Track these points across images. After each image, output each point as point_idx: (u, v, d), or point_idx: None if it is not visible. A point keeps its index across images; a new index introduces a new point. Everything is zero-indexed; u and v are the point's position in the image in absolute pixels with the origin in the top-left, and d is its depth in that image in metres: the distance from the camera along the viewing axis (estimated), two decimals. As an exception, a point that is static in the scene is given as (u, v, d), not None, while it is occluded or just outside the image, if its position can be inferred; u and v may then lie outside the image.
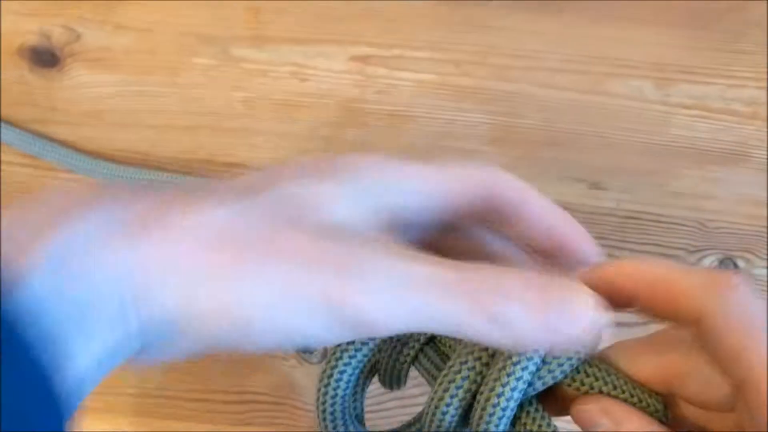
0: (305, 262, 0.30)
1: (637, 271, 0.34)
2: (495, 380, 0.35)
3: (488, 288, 0.31)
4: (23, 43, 0.62)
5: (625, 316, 0.55)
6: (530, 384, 0.36)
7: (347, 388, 0.39)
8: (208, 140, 0.61)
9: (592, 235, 0.57)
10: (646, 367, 0.35)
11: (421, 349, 0.39)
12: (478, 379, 0.36)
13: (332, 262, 0.31)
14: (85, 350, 0.28)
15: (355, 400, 0.40)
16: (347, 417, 0.40)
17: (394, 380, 0.41)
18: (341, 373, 0.39)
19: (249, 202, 0.32)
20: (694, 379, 0.34)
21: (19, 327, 0.26)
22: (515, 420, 0.37)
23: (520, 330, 0.31)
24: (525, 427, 0.36)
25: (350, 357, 0.40)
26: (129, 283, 0.29)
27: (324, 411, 0.39)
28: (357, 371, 0.40)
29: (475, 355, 0.36)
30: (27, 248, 0.28)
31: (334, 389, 0.39)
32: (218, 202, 0.32)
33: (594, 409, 0.35)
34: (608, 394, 0.35)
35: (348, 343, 0.39)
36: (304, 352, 0.55)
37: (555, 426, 0.36)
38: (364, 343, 0.40)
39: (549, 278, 0.32)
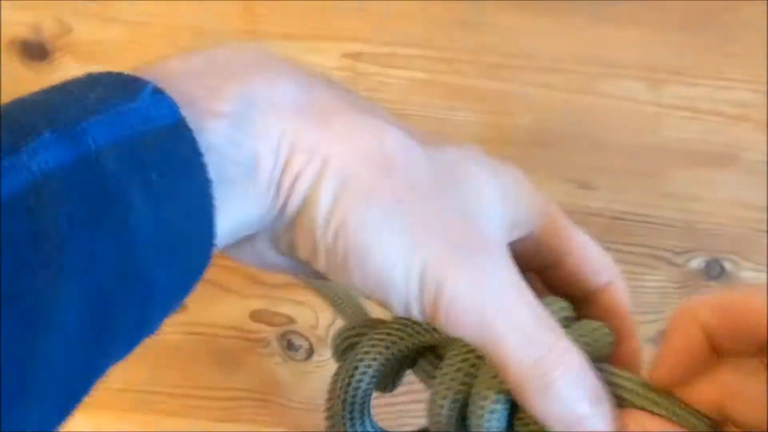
0: (439, 224, 0.32)
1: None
2: (480, 385, 0.35)
3: (565, 377, 0.32)
4: (14, 36, 0.62)
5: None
6: None
7: (369, 385, 0.40)
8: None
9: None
10: (699, 385, 0.33)
11: (421, 353, 0.39)
12: (470, 379, 0.36)
13: (460, 236, 0.32)
14: (229, 211, 0.29)
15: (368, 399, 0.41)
16: (365, 415, 0.40)
17: (389, 383, 0.41)
18: (363, 373, 0.39)
19: (430, 151, 0.33)
20: (752, 401, 0.32)
21: (192, 163, 0.28)
22: (514, 419, 0.37)
23: (552, 408, 0.33)
24: (524, 428, 0.36)
25: (373, 358, 0.40)
26: (288, 164, 0.30)
27: (344, 409, 0.40)
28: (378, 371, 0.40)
29: (464, 356, 0.36)
30: (216, 94, 0.29)
31: (355, 387, 0.39)
32: (406, 133, 0.33)
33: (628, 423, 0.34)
34: (642, 408, 0.34)
35: (371, 342, 0.40)
36: (289, 348, 0.55)
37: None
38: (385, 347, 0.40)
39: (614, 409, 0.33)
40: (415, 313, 0.33)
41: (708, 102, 0.61)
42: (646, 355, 0.54)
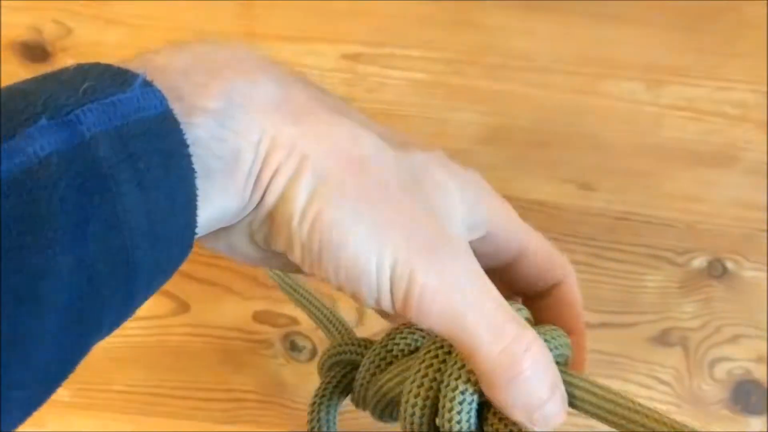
0: (408, 221, 0.33)
1: None
2: (450, 378, 0.36)
3: (531, 367, 0.34)
4: (14, 38, 0.62)
5: (618, 317, 0.55)
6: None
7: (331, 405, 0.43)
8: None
9: (581, 236, 0.58)
10: None
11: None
12: (439, 375, 0.36)
13: (428, 233, 0.34)
14: (209, 202, 0.31)
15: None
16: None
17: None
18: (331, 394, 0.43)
19: (400, 154, 0.35)
20: None
21: (179, 154, 0.29)
22: (483, 420, 0.37)
23: (515, 400, 0.35)
24: (492, 427, 0.37)
25: (333, 377, 0.42)
26: (267, 160, 0.32)
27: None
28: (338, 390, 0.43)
29: (433, 353, 0.37)
30: (202, 90, 0.31)
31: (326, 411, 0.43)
32: (378, 138, 0.34)
33: None
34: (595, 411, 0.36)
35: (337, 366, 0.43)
36: (292, 350, 0.55)
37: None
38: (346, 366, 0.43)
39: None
40: (386, 305, 0.34)
41: (708, 102, 0.61)
42: (652, 354, 0.55)
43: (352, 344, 0.43)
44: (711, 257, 0.57)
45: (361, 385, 0.41)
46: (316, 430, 0.43)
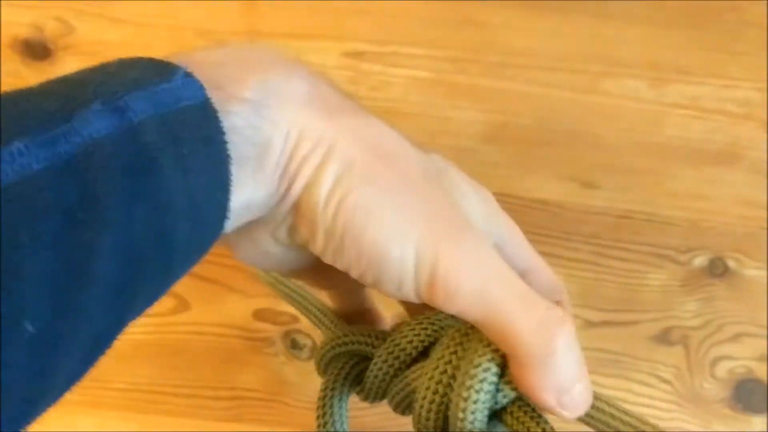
0: (433, 210, 0.35)
1: None
2: (464, 375, 0.35)
3: (566, 344, 0.34)
4: (16, 36, 0.62)
5: (619, 316, 0.55)
6: (500, 380, 0.36)
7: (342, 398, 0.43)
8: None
9: (584, 234, 0.58)
10: None
11: (416, 359, 0.40)
12: (450, 380, 0.36)
13: (451, 219, 0.35)
14: (241, 188, 0.32)
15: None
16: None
17: (381, 391, 0.41)
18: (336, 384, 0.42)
19: (421, 152, 0.36)
20: None
21: (217, 141, 0.31)
22: (504, 412, 0.37)
23: (550, 378, 0.34)
24: (514, 418, 0.36)
25: (342, 369, 0.41)
26: (295, 150, 0.33)
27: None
28: (347, 382, 0.42)
29: (447, 357, 0.37)
30: (239, 82, 0.32)
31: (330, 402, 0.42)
32: (401, 136, 0.36)
33: None
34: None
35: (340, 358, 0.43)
36: (294, 348, 0.55)
37: (547, 422, 0.36)
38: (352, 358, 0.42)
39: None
40: (408, 291, 0.35)
41: (712, 101, 0.61)
42: (654, 353, 0.55)
43: (360, 335, 0.42)
44: (713, 256, 0.57)
45: (376, 377, 0.40)
46: (329, 425, 0.43)
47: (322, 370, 0.44)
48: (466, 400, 0.35)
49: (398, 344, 0.40)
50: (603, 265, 0.57)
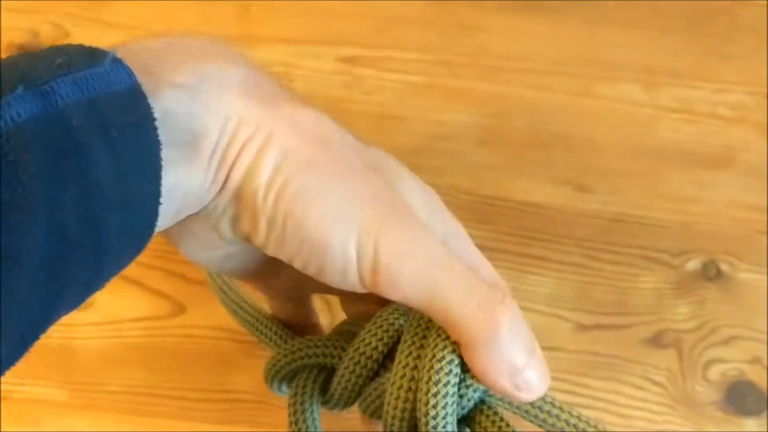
0: (374, 196, 0.34)
1: None
2: (427, 379, 0.35)
3: (509, 321, 0.35)
4: (11, 41, 0.62)
5: (612, 319, 0.55)
6: (462, 381, 0.36)
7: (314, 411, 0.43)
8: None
9: (577, 237, 0.58)
10: None
11: (383, 365, 0.40)
12: (413, 383, 0.36)
13: (392, 205, 0.35)
14: (173, 175, 0.32)
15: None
16: None
17: (350, 401, 0.41)
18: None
19: (361, 143, 0.36)
20: None
21: (146, 125, 0.30)
22: (471, 420, 0.37)
23: (496, 357, 0.34)
24: (481, 427, 0.36)
25: (306, 381, 0.42)
26: (233, 138, 0.33)
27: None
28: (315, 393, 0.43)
29: (407, 361, 0.37)
30: (173, 67, 0.32)
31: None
32: (339, 126, 0.36)
33: None
34: None
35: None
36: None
37: (513, 427, 0.36)
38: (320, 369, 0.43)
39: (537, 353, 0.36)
40: (352, 278, 0.35)
41: (705, 104, 0.62)
42: (646, 356, 0.55)
43: (316, 346, 0.42)
44: (706, 259, 0.58)
45: (345, 389, 0.41)
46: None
47: (278, 382, 0.44)
48: (430, 404, 0.35)
49: (362, 352, 0.40)
50: (595, 268, 0.57)
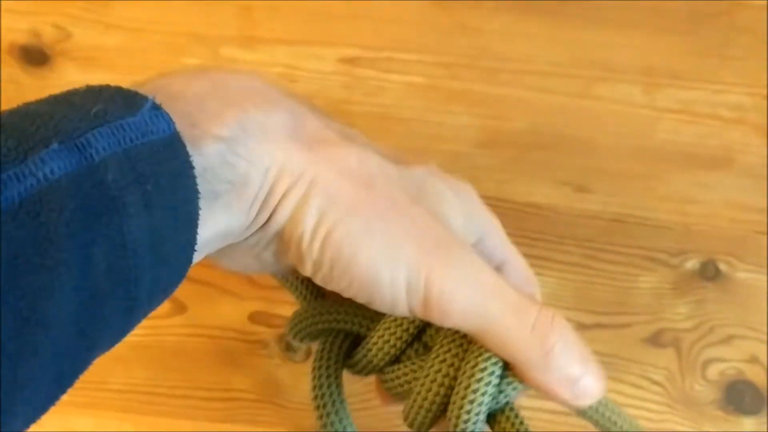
0: (420, 233, 0.35)
1: None
2: (467, 378, 0.36)
3: (562, 341, 0.35)
4: (13, 42, 0.62)
5: (611, 318, 0.55)
6: (501, 381, 0.36)
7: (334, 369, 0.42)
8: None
9: (576, 238, 0.58)
10: None
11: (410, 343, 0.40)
12: (450, 380, 0.37)
13: (437, 237, 0.35)
14: (213, 222, 0.32)
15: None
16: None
17: (374, 371, 0.41)
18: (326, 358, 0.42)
19: (402, 169, 0.37)
20: None
21: (185, 176, 0.30)
22: (493, 420, 0.37)
23: (554, 374, 0.36)
24: (500, 427, 0.37)
25: (332, 345, 0.41)
26: (275, 186, 0.33)
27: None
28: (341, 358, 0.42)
29: (447, 358, 0.37)
30: (216, 118, 0.32)
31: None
32: (381, 157, 0.36)
33: None
34: None
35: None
36: (288, 350, 0.56)
37: (528, 428, 0.37)
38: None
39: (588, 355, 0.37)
40: (402, 310, 0.35)
41: (704, 105, 0.62)
42: (645, 355, 0.55)
43: (346, 314, 0.42)
44: (704, 259, 0.58)
45: (370, 362, 0.40)
46: (326, 398, 0.42)
47: (300, 337, 0.44)
48: (467, 399, 0.36)
49: (399, 324, 0.40)
50: (595, 268, 0.58)
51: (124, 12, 0.62)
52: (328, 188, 0.34)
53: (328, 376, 0.42)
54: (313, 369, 0.43)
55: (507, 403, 0.37)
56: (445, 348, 0.37)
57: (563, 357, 0.35)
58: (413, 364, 0.39)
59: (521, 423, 0.37)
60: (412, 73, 0.62)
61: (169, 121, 0.30)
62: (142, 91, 0.31)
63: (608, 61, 0.62)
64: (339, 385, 0.43)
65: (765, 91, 0.62)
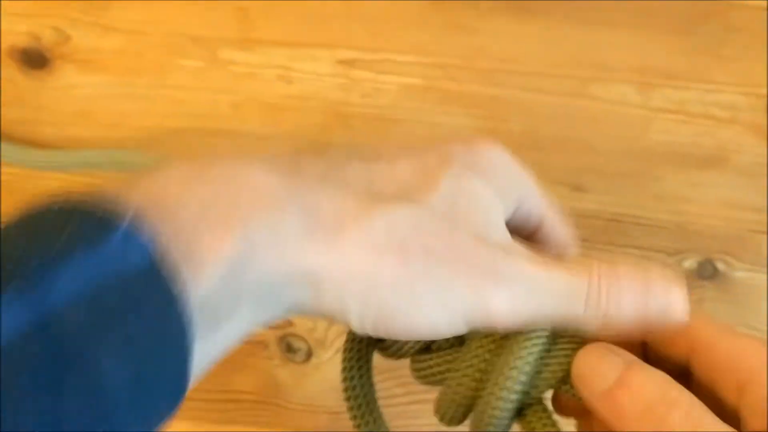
0: (466, 273, 0.33)
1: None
2: (498, 374, 0.36)
3: (611, 297, 0.33)
4: (13, 44, 0.62)
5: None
6: (535, 374, 0.36)
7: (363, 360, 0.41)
8: (196, 142, 0.61)
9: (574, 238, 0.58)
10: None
11: None
12: (483, 374, 0.37)
13: (483, 260, 0.33)
14: (211, 347, 0.30)
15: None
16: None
17: (407, 351, 0.41)
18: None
19: (431, 195, 0.34)
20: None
21: (167, 314, 0.27)
22: (521, 418, 0.37)
23: (623, 321, 0.33)
24: (530, 426, 0.37)
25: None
26: (303, 299, 0.31)
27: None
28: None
29: (485, 348, 0.37)
30: (217, 238, 0.29)
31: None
32: (393, 206, 0.33)
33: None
34: None
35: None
36: (288, 351, 0.56)
37: (559, 428, 0.37)
38: None
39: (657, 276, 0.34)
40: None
41: (698, 105, 0.62)
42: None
43: None
44: (702, 258, 0.58)
45: (401, 348, 0.40)
46: (355, 375, 0.42)
47: None
48: (496, 398, 0.36)
49: None
50: (593, 268, 0.58)
51: (123, 14, 0.62)
52: (362, 273, 0.31)
53: (359, 356, 0.42)
54: (345, 350, 0.42)
55: (540, 402, 0.37)
56: (477, 343, 0.37)
57: (621, 314, 0.33)
58: (448, 354, 0.39)
59: (552, 422, 0.37)
60: (408, 74, 0.63)
61: (146, 252, 0.26)
62: (127, 201, 0.27)
63: (603, 61, 0.63)
64: (368, 361, 0.42)
65: (759, 91, 0.62)
